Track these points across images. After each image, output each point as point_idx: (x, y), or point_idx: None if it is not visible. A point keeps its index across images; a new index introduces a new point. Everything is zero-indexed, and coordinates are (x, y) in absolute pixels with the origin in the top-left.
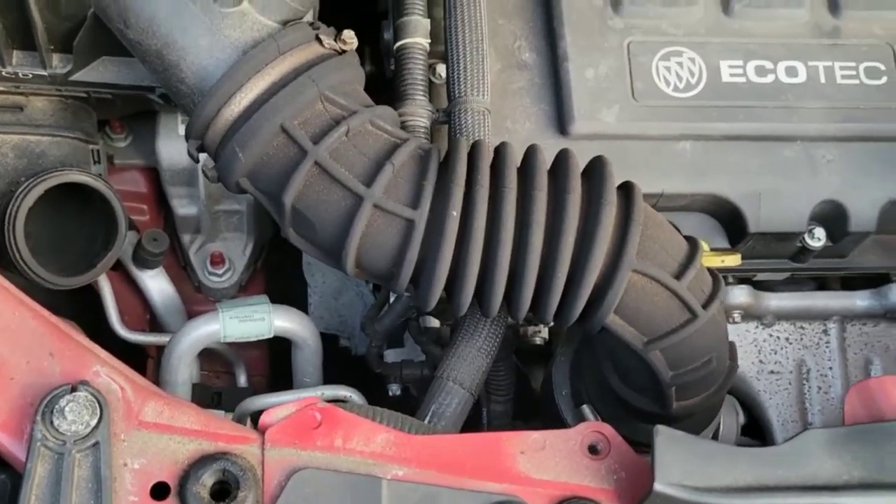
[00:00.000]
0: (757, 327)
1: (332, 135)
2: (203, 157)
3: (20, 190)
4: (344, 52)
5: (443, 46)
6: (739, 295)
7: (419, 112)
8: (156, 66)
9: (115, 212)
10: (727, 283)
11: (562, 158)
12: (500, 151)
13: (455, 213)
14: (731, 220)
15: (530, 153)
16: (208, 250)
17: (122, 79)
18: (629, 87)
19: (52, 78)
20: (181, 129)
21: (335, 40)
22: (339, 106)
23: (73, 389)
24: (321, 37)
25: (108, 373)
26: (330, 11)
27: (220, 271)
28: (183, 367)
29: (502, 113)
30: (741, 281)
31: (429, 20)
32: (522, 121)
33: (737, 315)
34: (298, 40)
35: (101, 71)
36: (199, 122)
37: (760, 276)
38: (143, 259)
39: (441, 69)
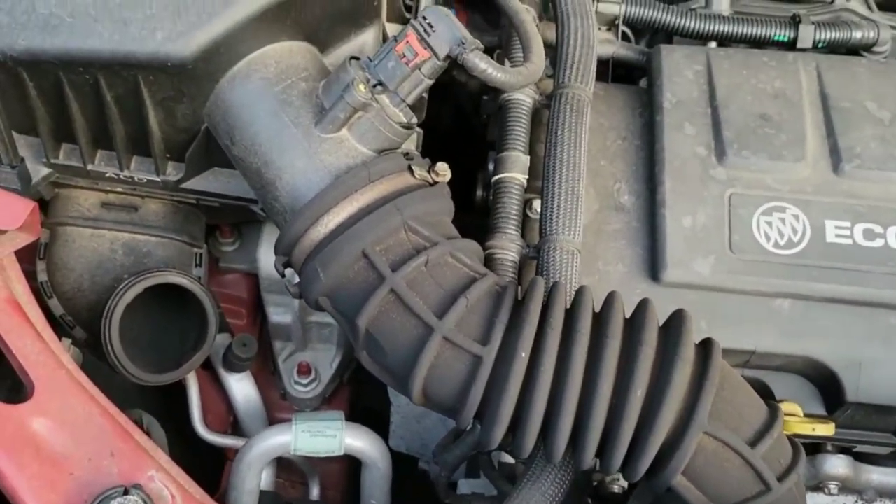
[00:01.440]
0: (856, 502)
1: (410, 264)
2: (289, 271)
3: (121, 287)
4: (436, 182)
5: (540, 182)
6: (837, 465)
7: (509, 246)
8: (255, 181)
9: (207, 314)
10: (825, 451)
11: (640, 309)
12: (578, 295)
13: (524, 353)
14: (827, 387)
15: (609, 300)
16: (297, 359)
17: (229, 189)
18: (727, 238)
19: (164, 184)
20: None
21: (428, 171)
22: (422, 236)
23: (126, 492)
24: (413, 167)
25: (163, 479)
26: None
27: (306, 381)
28: (252, 475)
29: (595, 253)
30: (841, 450)
31: (528, 157)
32: (615, 263)
33: (833, 487)
34: (390, 169)
35: (211, 181)
36: (287, 239)
37: (861, 448)
38: (232, 362)
39: (537, 204)
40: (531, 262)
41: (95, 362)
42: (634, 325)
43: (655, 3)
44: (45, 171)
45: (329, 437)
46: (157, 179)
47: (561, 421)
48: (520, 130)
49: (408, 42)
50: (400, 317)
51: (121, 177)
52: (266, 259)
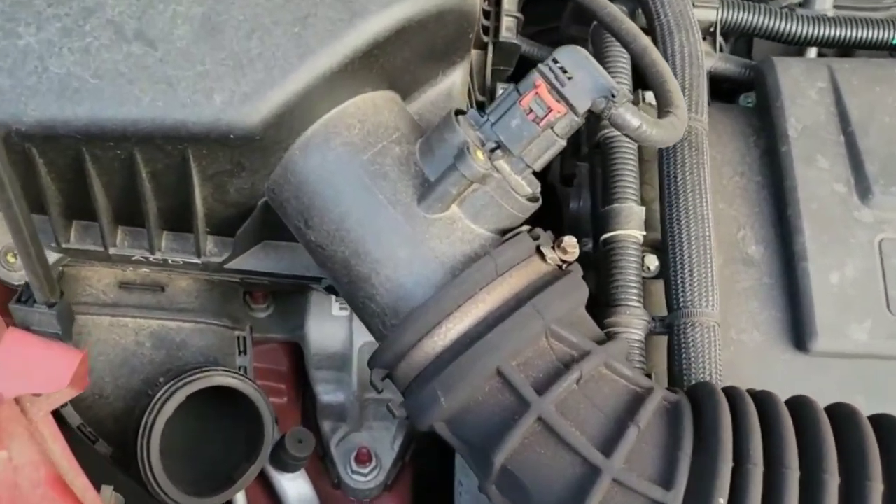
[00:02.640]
0: None
1: (560, 383)
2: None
3: (157, 397)
4: (567, 264)
5: (662, 238)
6: None
7: (634, 322)
8: (340, 275)
9: (263, 419)
10: None
11: (849, 422)
12: (765, 407)
13: (722, 500)
14: None
15: (806, 412)
16: (354, 443)
17: (284, 268)
18: (883, 295)
19: (205, 266)
20: (335, 309)
21: (554, 249)
22: (568, 343)
23: None
24: (543, 250)
25: None
26: None
27: (366, 470)
28: None
29: (726, 319)
30: None
31: (643, 208)
32: (750, 330)
33: None
34: (519, 257)
35: (262, 258)
36: (391, 351)
37: None
38: (284, 462)
39: (650, 261)
40: (654, 336)
41: None
42: (851, 447)
43: (753, 6)
44: (54, 256)
45: None
46: (198, 262)
47: None
48: (630, 176)
49: (537, 94)
50: (551, 452)
51: (150, 259)
52: (317, 332)
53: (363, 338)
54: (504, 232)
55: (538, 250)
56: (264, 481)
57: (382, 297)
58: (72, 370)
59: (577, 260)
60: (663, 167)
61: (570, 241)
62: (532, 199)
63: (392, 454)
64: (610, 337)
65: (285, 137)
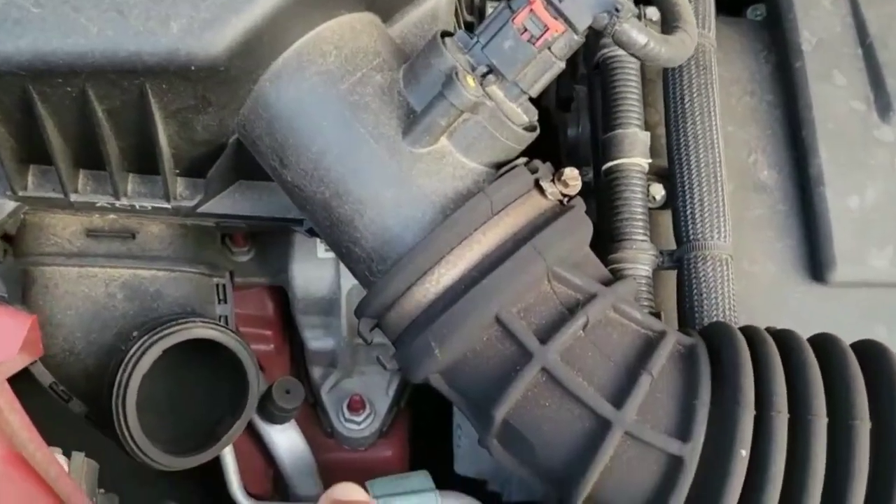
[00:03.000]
0: None
1: (565, 330)
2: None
3: (132, 352)
4: (568, 199)
5: (668, 166)
6: None
7: (640, 258)
8: (320, 218)
9: (247, 372)
10: None
11: (880, 362)
12: (788, 348)
13: (744, 451)
14: None
15: (832, 352)
16: (346, 390)
17: (262, 209)
18: None
19: (175, 210)
20: (320, 251)
21: (554, 182)
22: (572, 286)
23: None
24: (542, 184)
25: None
26: None
27: (360, 418)
28: None
29: (738, 251)
30: None
31: (648, 134)
32: (763, 261)
33: None
34: (516, 192)
35: (237, 200)
36: (378, 299)
37: None
38: (272, 413)
39: (656, 190)
40: (662, 271)
41: None
42: (880, 391)
43: None
44: (11, 205)
45: None
46: (168, 206)
47: None
48: (633, 98)
49: (532, 11)
50: (556, 405)
51: (117, 206)
52: (302, 276)
53: (351, 281)
54: (499, 166)
55: (537, 184)
56: (253, 434)
57: (367, 242)
58: (21, 336)
59: (578, 192)
60: (668, 88)
61: (571, 174)
62: (529, 129)
63: (387, 400)
64: (616, 276)
65: (254, 68)
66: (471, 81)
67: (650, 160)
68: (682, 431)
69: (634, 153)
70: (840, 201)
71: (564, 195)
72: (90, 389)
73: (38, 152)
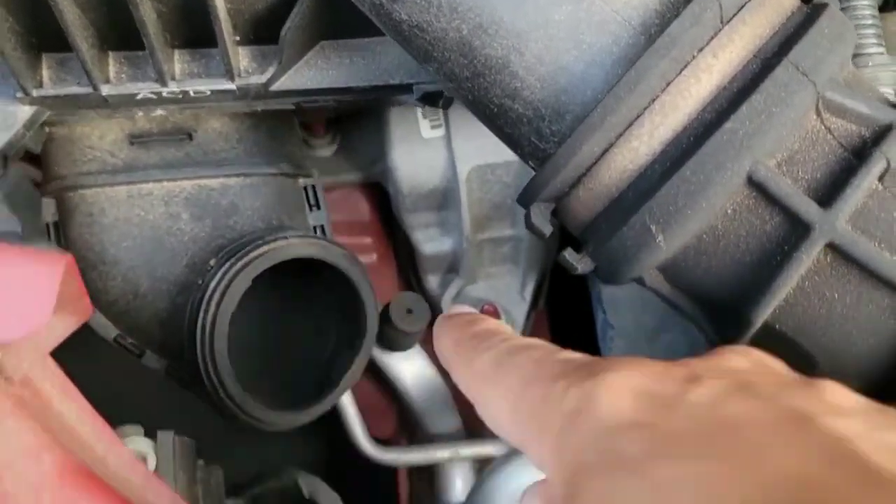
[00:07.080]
0: None
1: (854, 184)
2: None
3: (212, 286)
4: None
5: None
6: None
7: (881, 77)
8: (455, 68)
9: (362, 295)
10: None
11: None
12: None
13: None
14: None
15: None
16: (472, 300)
17: (358, 77)
18: None
19: (242, 92)
20: (425, 130)
21: None
22: (853, 117)
23: None
24: None
25: None
26: None
27: None
28: None
29: None
30: None
31: None
32: None
33: None
34: None
35: (322, 68)
36: (559, 173)
37: None
38: (391, 339)
39: None
40: None
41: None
42: None
43: None
44: (27, 111)
45: None
46: (232, 87)
47: None
48: None
49: None
50: (855, 297)
51: (164, 95)
52: (404, 161)
53: (470, 161)
54: None
55: None
56: (370, 366)
57: (533, 92)
58: (53, 289)
59: None
60: None
61: None
62: None
63: (524, 305)
64: None
65: None
66: None
67: None
68: None
69: None
70: None
71: None
72: (166, 338)
73: (51, 34)
